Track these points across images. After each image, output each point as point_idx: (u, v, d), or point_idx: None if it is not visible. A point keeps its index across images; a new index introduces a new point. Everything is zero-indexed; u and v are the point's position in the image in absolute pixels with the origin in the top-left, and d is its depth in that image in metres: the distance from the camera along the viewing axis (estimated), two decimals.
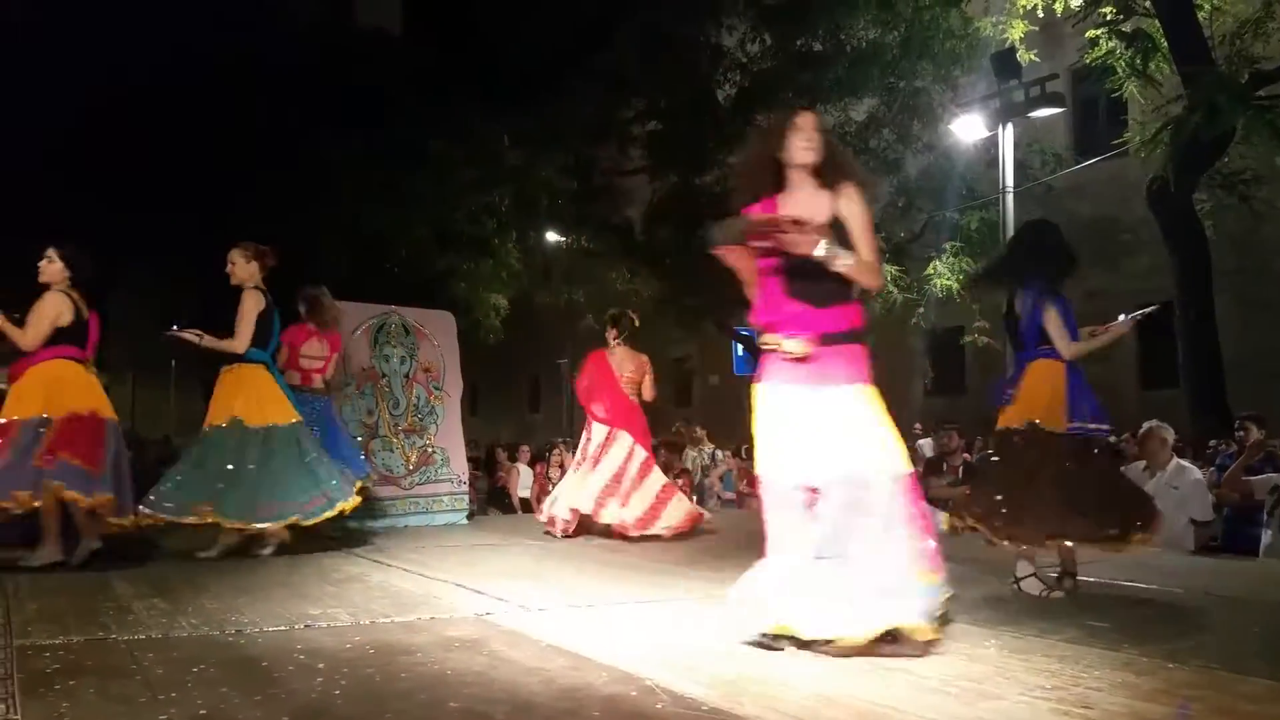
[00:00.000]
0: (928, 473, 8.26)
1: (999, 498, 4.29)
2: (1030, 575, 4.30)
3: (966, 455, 9.14)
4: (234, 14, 18.76)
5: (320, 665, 3.03)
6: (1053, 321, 4.29)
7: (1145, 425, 6.67)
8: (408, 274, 15.21)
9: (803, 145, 3.36)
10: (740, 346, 17.28)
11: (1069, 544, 4.29)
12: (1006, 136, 12.01)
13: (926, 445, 10.79)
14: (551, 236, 17.42)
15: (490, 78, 14.66)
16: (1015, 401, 4.43)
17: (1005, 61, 11.76)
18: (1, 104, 17.44)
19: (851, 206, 3.34)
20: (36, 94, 17.86)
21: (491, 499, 10.93)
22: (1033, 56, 11.72)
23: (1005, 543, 4.27)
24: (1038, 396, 4.33)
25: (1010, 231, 11.87)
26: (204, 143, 17.50)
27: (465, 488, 8.12)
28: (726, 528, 7.32)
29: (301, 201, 15.74)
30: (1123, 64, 10.24)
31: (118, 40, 17.67)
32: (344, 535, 6.83)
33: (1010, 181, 11.95)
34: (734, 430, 15.39)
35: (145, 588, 4.44)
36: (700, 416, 17.92)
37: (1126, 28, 10.25)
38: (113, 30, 17.61)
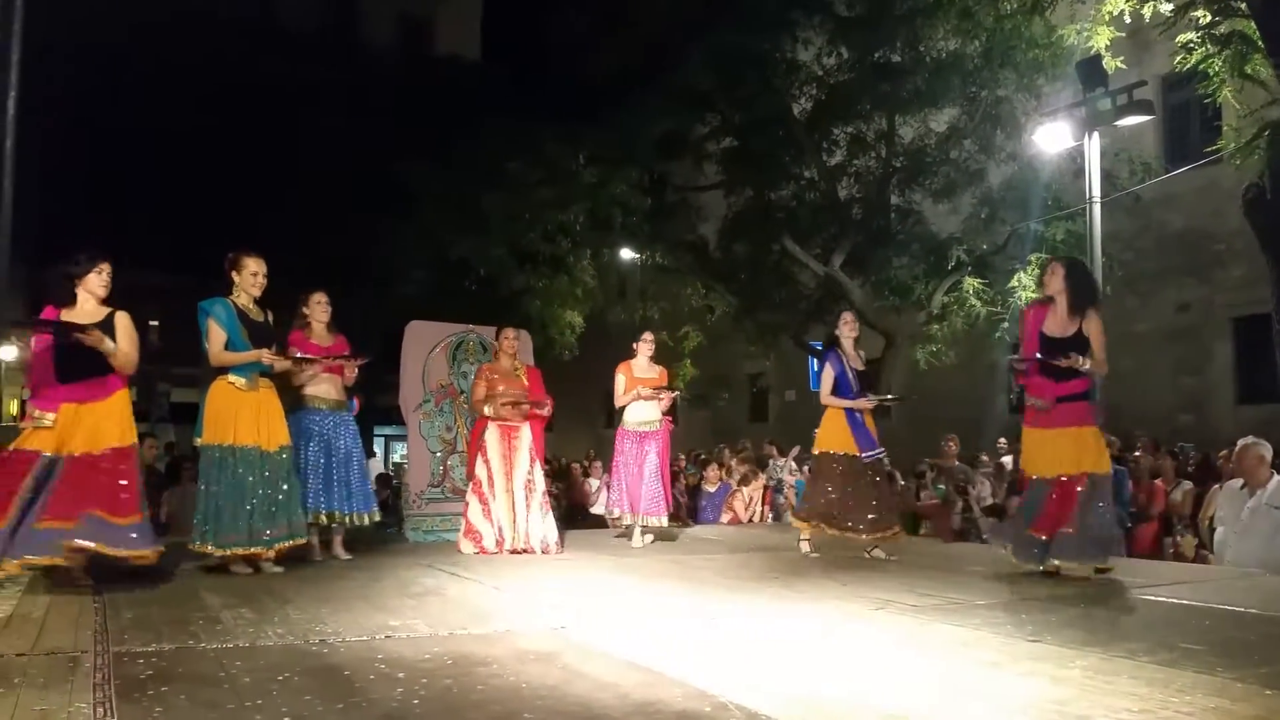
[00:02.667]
0: (1010, 491, 8.07)
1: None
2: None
3: None
4: (314, 44, 19.36)
5: (400, 675, 3.08)
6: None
7: (1241, 441, 6.39)
8: (484, 293, 15.44)
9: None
10: (816, 362, 17.09)
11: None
12: (1093, 146, 11.68)
13: (1010, 462, 10.53)
14: (625, 254, 17.53)
15: (565, 97, 14.82)
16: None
17: (1091, 69, 11.44)
18: (104, 144, 18.28)
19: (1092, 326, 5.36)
20: (127, 132, 18.62)
21: (568, 514, 10.99)
22: (1120, 63, 11.35)
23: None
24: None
25: (1098, 243, 11.54)
26: (288, 172, 18.07)
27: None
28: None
29: (385, 226, 16.12)
30: (1217, 67, 9.90)
31: (192, 76, 18.33)
32: (421, 549, 6.96)
33: (1097, 192, 11.61)
34: (810, 444, 15.21)
35: (233, 598, 4.58)
36: (776, 433, 17.76)
37: (1222, 29, 9.90)
38: (186, 67, 18.28)
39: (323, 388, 6.29)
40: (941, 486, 9.47)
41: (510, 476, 6.78)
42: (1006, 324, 13.11)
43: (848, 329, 6.73)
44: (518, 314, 13.88)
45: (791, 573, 5.71)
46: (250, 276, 5.62)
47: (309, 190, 17.97)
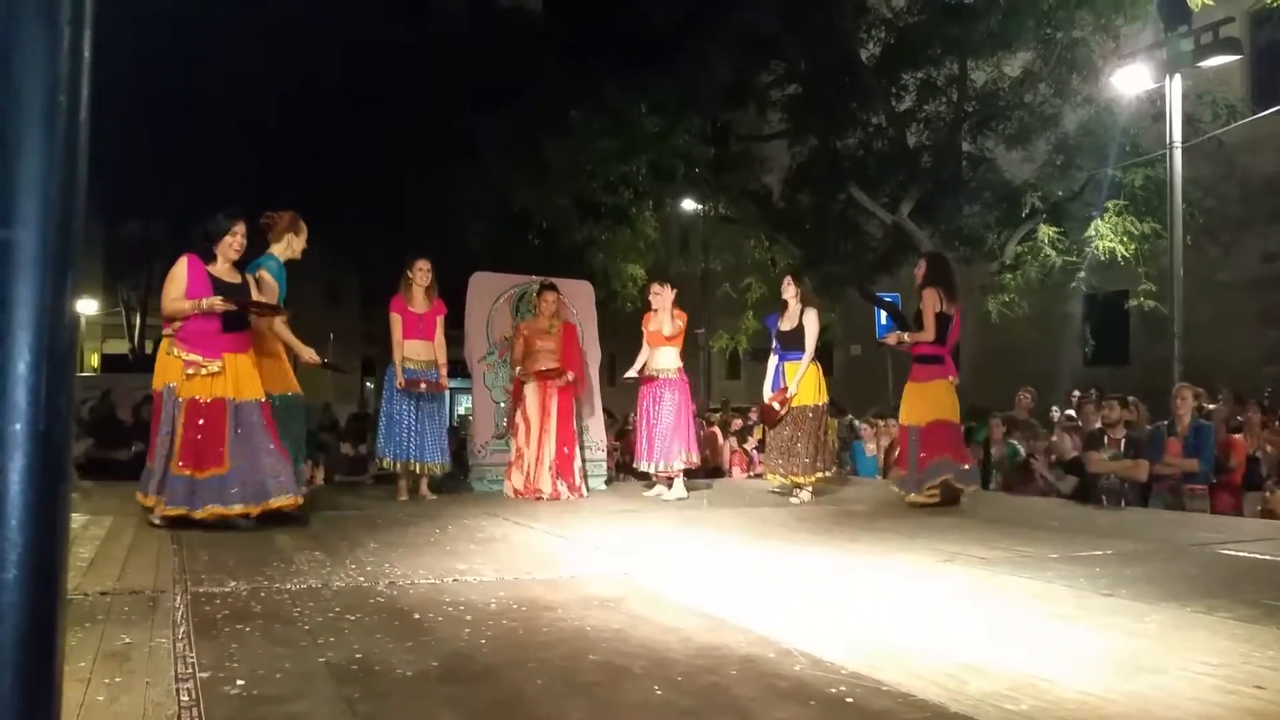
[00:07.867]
0: (1088, 446, 7.83)
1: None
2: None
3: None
4: (381, 2, 19.32)
5: (467, 617, 3.13)
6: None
7: None
8: (548, 245, 15.45)
9: None
10: (884, 314, 16.83)
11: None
12: (1174, 88, 11.21)
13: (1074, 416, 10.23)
14: (688, 205, 17.37)
15: (627, 45, 14.63)
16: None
17: (1173, 6, 10.95)
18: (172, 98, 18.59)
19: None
20: (201, 91, 18.87)
21: (629, 466, 11.03)
22: (1205, 0, 10.86)
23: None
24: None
25: (1179, 190, 11.12)
26: (359, 129, 18.18)
27: (603, 454, 8.23)
28: (868, 497, 7.19)
29: (449, 179, 16.18)
30: None
31: (255, 34, 18.41)
32: (486, 498, 7.07)
33: (1178, 136, 11.16)
34: (876, 399, 15.04)
35: (305, 541, 4.70)
36: (842, 387, 17.61)
37: None
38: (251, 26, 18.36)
39: (415, 349, 6.87)
40: (1013, 442, 9.25)
41: (544, 427, 7.20)
42: (1083, 273, 12.74)
43: (787, 290, 7.17)
44: (580, 267, 13.87)
45: (857, 525, 5.67)
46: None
47: (371, 144, 18.10)
